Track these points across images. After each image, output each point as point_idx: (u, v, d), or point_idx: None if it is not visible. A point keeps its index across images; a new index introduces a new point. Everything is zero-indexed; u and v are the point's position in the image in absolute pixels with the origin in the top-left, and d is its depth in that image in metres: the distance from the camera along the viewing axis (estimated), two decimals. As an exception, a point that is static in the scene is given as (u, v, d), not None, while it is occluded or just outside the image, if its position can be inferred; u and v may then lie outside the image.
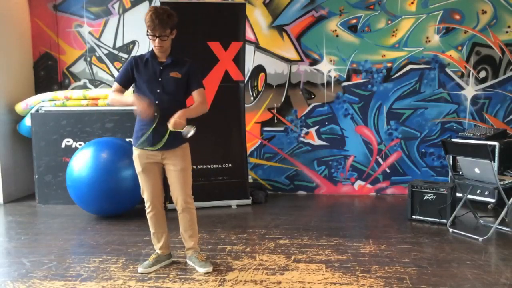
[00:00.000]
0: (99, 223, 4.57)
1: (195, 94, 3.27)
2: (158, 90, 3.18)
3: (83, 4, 5.81)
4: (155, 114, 3.12)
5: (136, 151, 3.29)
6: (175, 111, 3.14)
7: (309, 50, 5.53)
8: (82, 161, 4.55)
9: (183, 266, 3.46)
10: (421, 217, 4.48)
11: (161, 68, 3.20)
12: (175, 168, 3.25)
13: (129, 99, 3.13)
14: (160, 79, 3.19)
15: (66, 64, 5.96)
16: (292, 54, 5.57)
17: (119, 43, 5.83)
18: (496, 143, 4.72)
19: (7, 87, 5.54)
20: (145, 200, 3.36)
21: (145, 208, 3.39)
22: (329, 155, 5.63)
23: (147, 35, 3.13)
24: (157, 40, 3.10)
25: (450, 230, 4.19)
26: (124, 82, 3.26)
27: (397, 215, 4.72)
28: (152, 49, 3.23)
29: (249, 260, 3.55)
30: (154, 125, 3.14)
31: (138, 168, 3.30)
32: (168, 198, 4.73)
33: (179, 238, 4.05)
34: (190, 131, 3.07)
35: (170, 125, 3.06)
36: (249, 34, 5.50)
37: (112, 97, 3.24)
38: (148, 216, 3.40)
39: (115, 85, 3.26)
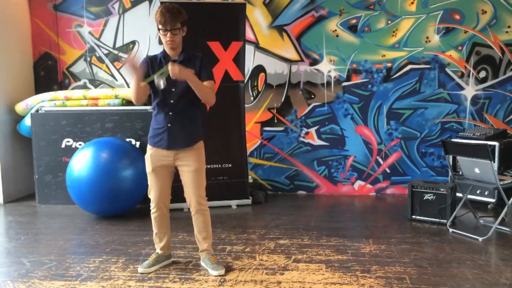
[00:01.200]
0: (99, 223, 4.57)
1: (205, 84, 3.19)
2: (173, 89, 3.16)
3: (83, 4, 5.81)
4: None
5: (149, 151, 3.28)
6: (191, 110, 3.19)
7: (309, 50, 5.53)
8: (82, 161, 4.54)
9: (183, 266, 3.46)
10: (421, 217, 4.48)
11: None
12: (189, 169, 3.23)
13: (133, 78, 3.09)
14: (173, 78, 3.12)
15: (66, 64, 5.96)
16: (292, 54, 5.57)
17: (119, 43, 5.83)
18: (496, 143, 4.72)
19: (7, 87, 5.54)
20: (151, 200, 3.35)
21: (150, 208, 3.38)
22: (329, 155, 5.64)
23: (158, 29, 3.11)
24: (168, 34, 3.09)
25: (450, 230, 4.19)
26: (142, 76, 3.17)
27: (397, 215, 4.72)
28: (164, 49, 3.21)
29: (249, 260, 3.55)
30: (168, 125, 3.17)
31: (148, 168, 3.29)
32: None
33: (179, 238, 4.06)
34: (160, 82, 3.03)
35: (170, 67, 3.00)
36: (249, 34, 5.50)
37: (130, 92, 3.23)
38: (152, 216, 3.39)
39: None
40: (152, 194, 3.33)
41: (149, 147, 3.30)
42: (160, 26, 3.09)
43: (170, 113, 3.18)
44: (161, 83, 3.05)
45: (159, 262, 3.43)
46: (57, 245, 3.97)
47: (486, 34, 5.24)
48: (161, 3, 4.81)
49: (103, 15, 5.81)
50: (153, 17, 3.17)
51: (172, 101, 3.18)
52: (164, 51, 3.22)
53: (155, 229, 3.43)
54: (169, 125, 3.19)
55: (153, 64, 3.23)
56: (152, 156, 3.27)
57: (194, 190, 3.26)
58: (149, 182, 3.33)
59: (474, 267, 3.37)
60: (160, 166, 3.25)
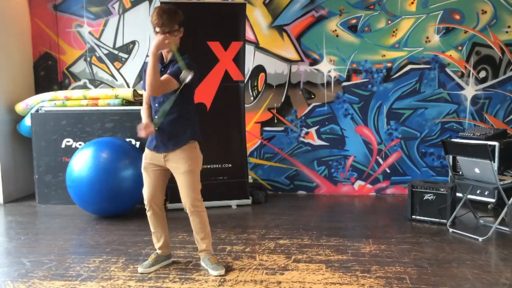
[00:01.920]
0: (99, 223, 4.57)
1: (163, 77, 3.06)
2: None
3: (83, 4, 5.81)
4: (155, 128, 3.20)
5: (146, 150, 3.36)
6: (175, 112, 3.15)
7: (309, 50, 5.53)
8: (82, 161, 4.54)
9: (183, 266, 3.46)
10: (421, 217, 4.48)
11: (162, 69, 3.15)
12: (178, 171, 3.23)
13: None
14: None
15: (66, 64, 5.96)
16: (292, 54, 5.57)
17: (119, 43, 5.83)
18: (496, 143, 4.72)
19: (7, 87, 5.54)
20: (144, 198, 3.38)
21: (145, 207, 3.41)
22: (329, 155, 5.63)
23: (155, 32, 3.07)
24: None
25: (450, 230, 4.19)
26: None
27: (397, 215, 4.72)
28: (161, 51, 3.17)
29: (249, 260, 3.55)
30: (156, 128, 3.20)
31: (142, 166, 3.35)
32: (168, 199, 4.77)
33: (179, 238, 4.06)
34: (188, 76, 3.02)
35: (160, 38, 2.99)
36: (249, 34, 5.50)
37: (142, 110, 3.38)
38: (147, 215, 3.41)
39: (143, 92, 3.35)
40: (144, 193, 3.37)
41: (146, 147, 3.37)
42: (157, 29, 3.05)
43: (156, 117, 3.21)
44: (187, 78, 3.04)
45: (159, 262, 3.43)
46: (57, 245, 3.97)
47: (486, 34, 5.24)
48: (161, 3, 4.84)
49: (103, 15, 5.81)
50: (143, 20, 3.13)
51: (156, 105, 3.21)
52: (161, 53, 3.18)
53: (151, 228, 3.44)
54: (156, 128, 3.20)
55: None
56: (145, 155, 3.34)
57: (187, 192, 3.23)
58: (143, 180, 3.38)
59: (474, 267, 3.37)
60: (151, 164, 3.29)
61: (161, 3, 4.85)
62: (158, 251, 3.46)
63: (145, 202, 3.37)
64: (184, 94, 3.15)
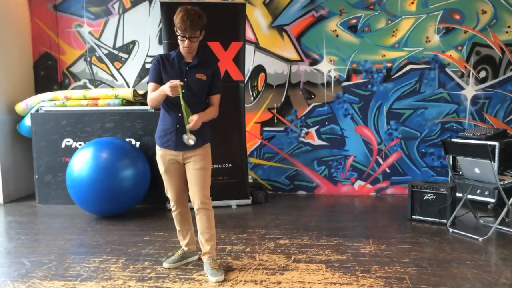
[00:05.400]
0: (99, 223, 4.57)
1: (213, 98, 3.27)
2: (183, 91, 3.13)
3: (83, 4, 5.81)
4: (179, 114, 3.14)
5: (159, 151, 3.30)
6: (198, 111, 3.17)
7: (309, 50, 5.53)
8: (82, 161, 4.54)
9: (183, 266, 3.46)
10: (421, 217, 4.48)
11: (187, 68, 3.18)
12: (195, 166, 3.23)
13: (161, 88, 3.08)
14: (186, 80, 3.15)
15: (66, 64, 5.96)
16: (292, 54, 5.57)
17: (119, 43, 5.83)
18: (496, 143, 4.72)
19: (7, 87, 5.54)
20: (170, 199, 3.39)
21: (170, 207, 3.42)
22: (329, 155, 5.64)
23: (177, 35, 3.08)
24: (186, 42, 3.06)
25: (450, 230, 4.19)
26: (159, 80, 3.18)
27: (397, 215, 4.72)
28: (178, 49, 3.18)
29: (249, 260, 3.55)
30: (177, 125, 3.18)
31: (161, 168, 3.31)
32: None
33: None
34: (190, 139, 3.11)
35: (190, 124, 3.06)
36: (249, 34, 5.50)
37: (149, 98, 3.17)
38: (173, 214, 3.43)
39: (151, 85, 3.19)
40: (169, 193, 3.37)
41: (157, 148, 3.31)
42: (179, 32, 3.05)
43: (180, 115, 3.16)
44: (190, 141, 3.10)
45: (185, 259, 3.48)
46: (57, 245, 3.97)
47: (486, 34, 5.24)
48: (161, 3, 4.84)
49: (103, 15, 5.81)
50: (174, 19, 3.09)
51: (182, 103, 3.16)
52: (179, 51, 3.18)
53: (177, 227, 3.47)
54: (177, 126, 3.19)
55: (165, 64, 3.19)
56: (162, 157, 3.28)
57: (198, 188, 3.24)
58: (164, 182, 3.36)
59: (474, 267, 3.37)
60: (172, 164, 3.27)
61: (161, 3, 4.85)
62: (185, 248, 3.50)
63: (172, 202, 3.38)
64: (207, 96, 3.27)
